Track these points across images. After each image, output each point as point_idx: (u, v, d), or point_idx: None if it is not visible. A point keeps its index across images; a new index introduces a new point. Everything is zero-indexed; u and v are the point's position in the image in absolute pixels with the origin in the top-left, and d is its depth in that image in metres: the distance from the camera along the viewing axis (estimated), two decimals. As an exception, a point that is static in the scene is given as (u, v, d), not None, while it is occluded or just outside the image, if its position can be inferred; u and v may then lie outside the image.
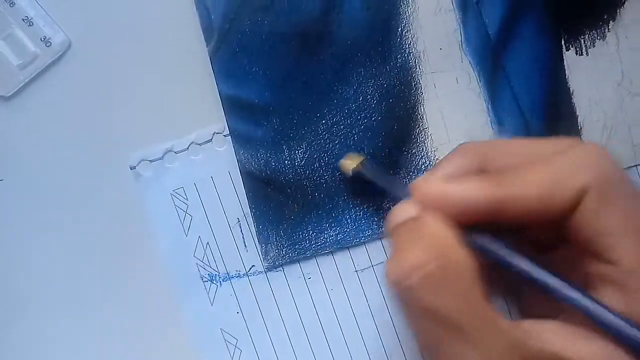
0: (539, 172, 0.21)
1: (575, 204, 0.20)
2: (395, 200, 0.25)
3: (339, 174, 0.29)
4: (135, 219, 0.28)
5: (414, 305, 0.20)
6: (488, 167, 0.23)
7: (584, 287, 0.21)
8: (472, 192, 0.21)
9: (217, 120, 0.28)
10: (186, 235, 0.28)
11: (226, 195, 0.28)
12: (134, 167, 0.28)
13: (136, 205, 0.28)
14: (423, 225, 0.21)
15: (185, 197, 0.28)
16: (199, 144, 0.28)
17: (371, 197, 0.29)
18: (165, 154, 0.28)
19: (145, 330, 0.28)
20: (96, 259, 0.28)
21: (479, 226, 0.22)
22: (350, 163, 0.27)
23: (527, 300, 0.25)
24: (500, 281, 0.24)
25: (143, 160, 0.28)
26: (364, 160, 0.27)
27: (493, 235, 0.22)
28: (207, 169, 0.28)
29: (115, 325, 0.28)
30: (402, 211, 0.22)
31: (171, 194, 0.28)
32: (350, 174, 0.27)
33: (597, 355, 0.19)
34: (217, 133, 0.28)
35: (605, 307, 0.20)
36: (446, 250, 0.20)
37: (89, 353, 0.28)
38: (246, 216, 0.29)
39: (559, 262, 0.23)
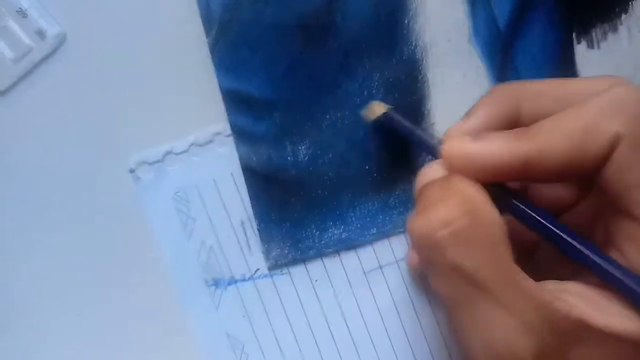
0: (567, 123, 0.20)
1: (607, 155, 0.19)
2: (421, 150, 0.25)
3: (344, 171, 0.28)
4: (136, 223, 0.28)
5: (440, 262, 0.20)
6: (522, 111, 0.22)
7: (603, 243, 0.21)
8: (498, 151, 0.20)
9: (217, 120, 0.28)
10: (189, 240, 0.28)
11: (229, 198, 0.28)
12: (133, 171, 0.27)
13: (136, 209, 0.28)
14: (453, 183, 0.20)
15: (186, 200, 0.28)
16: (199, 145, 0.28)
17: (395, 151, 0.28)
18: (165, 156, 0.28)
19: (150, 337, 0.28)
20: (96, 265, 0.28)
21: (504, 186, 0.21)
22: (374, 109, 0.27)
23: (537, 264, 0.24)
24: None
25: (142, 162, 0.27)
26: (389, 109, 0.27)
27: (517, 194, 0.21)
28: (209, 170, 0.28)
29: (119, 332, 0.28)
30: (431, 171, 0.22)
31: (172, 197, 0.28)
32: (372, 121, 0.27)
33: (624, 323, 0.19)
34: (218, 134, 0.28)
35: (629, 275, 0.19)
36: (476, 207, 0.20)
37: (92, 360, 0.28)
38: (250, 218, 0.28)
39: (577, 219, 0.23)
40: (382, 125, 0.27)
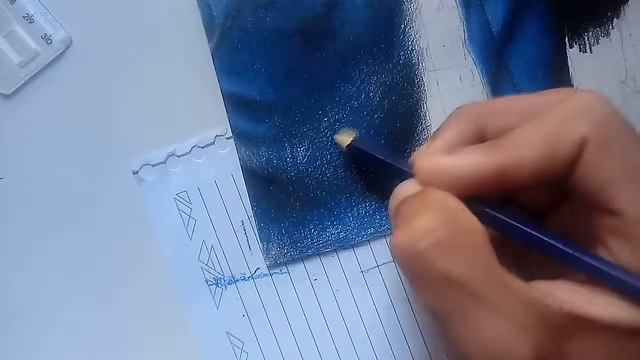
0: (536, 130, 0.20)
1: (576, 157, 0.20)
2: (393, 174, 0.24)
3: (341, 171, 0.28)
4: (138, 223, 0.28)
5: (426, 273, 0.19)
6: (487, 129, 0.22)
7: (589, 242, 0.21)
8: (472, 163, 0.20)
9: (219, 123, 0.28)
10: (190, 239, 0.28)
11: (230, 198, 0.28)
12: (137, 172, 0.28)
13: (139, 209, 0.28)
14: (429, 195, 0.20)
15: (188, 200, 0.28)
16: (201, 147, 0.28)
17: (369, 175, 0.29)
18: (167, 157, 0.28)
19: (151, 335, 0.28)
20: (99, 264, 0.28)
21: (479, 197, 0.21)
22: (345, 138, 0.27)
23: (528, 267, 0.24)
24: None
25: (145, 164, 0.28)
26: (356, 135, 0.27)
27: (494, 204, 0.21)
28: (210, 172, 0.28)
29: (121, 331, 0.28)
30: (405, 189, 0.22)
31: (174, 197, 0.28)
32: (345, 148, 0.27)
33: (615, 312, 0.19)
34: (220, 136, 0.28)
35: (612, 266, 0.20)
36: (455, 215, 0.20)
37: (94, 359, 0.28)
38: (250, 219, 0.28)
39: (561, 222, 0.23)
40: (354, 153, 0.27)
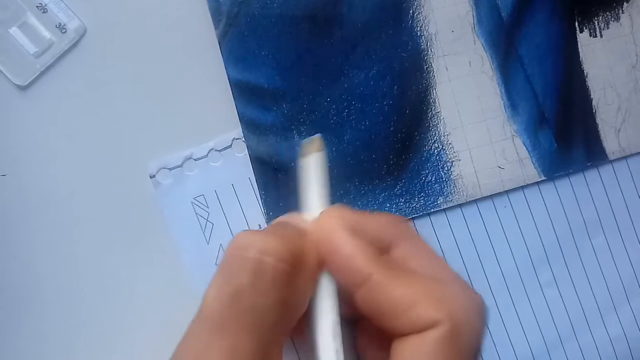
0: (415, 290, 0.20)
1: (420, 329, 0.20)
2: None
3: (350, 160, 0.28)
4: (155, 227, 0.28)
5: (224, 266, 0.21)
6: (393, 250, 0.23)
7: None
8: (357, 258, 0.21)
9: (236, 126, 0.28)
10: (207, 243, 0.28)
11: (247, 202, 0.28)
12: (154, 176, 0.28)
13: (156, 213, 0.28)
14: (289, 231, 0.22)
15: (205, 204, 0.28)
16: (218, 151, 0.28)
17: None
18: (184, 161, 0.28)
19: (168, 341, 0.27)
20: (114, 268, 0.28)
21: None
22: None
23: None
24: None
25: (162, 168, 0.28)
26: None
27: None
28: (227, 175, 0.28)
29: (137, 337, 0.28)
30: (299, 218, 0.23)
31: (191, 201, 0.28)
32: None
33: None
34: (237, 139, 0.28)
35: None
36: (269, 265, 0.20)
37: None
38: (267, 222, 0.28)
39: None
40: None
